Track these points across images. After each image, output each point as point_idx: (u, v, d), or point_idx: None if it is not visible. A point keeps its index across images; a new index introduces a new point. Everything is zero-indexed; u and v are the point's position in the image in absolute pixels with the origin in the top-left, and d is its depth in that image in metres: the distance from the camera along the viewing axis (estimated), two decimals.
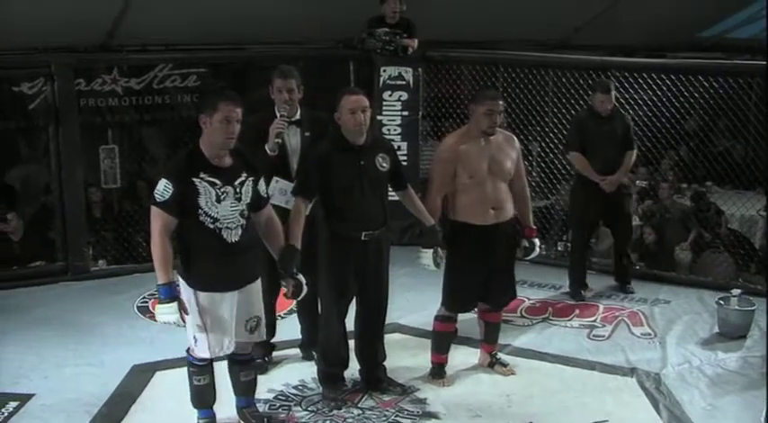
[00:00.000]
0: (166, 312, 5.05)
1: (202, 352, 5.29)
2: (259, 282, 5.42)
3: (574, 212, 8.56)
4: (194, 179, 5.05)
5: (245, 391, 5.65)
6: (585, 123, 8.13)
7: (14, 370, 6.59)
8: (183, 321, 5.13)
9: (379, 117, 9.37)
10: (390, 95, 9.59)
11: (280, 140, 6.00)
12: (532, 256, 6.44)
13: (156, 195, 5.04)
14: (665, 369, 6.64)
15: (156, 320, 5.21)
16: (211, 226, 5.09)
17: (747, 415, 5.87)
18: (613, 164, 7.96)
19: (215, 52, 9.94)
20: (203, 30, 9.46)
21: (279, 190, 6.08)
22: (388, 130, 9.52)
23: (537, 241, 6.41)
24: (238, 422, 5.70)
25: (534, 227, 6.45)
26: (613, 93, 7.95)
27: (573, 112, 9.04)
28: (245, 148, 5.71)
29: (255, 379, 5.70)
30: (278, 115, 6.05)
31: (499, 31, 10.98)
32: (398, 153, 6.59)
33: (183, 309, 5.09)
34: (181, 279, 5.16)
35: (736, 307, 7.28)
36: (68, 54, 8.88)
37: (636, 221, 9.80)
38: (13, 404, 6.02)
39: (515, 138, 6.33)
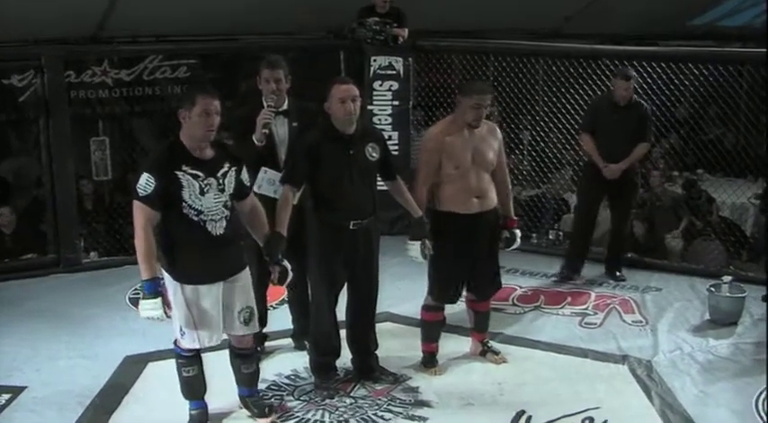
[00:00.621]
0: (150, 308, 5.04)
1: (190, 343, 5.28)
2: (247, 271, 5.41)
3: (578, 197, 8.65)
4: (177, 172, 5.03)
5: (247, 381, 5.67)
6: (600, 108, 8.17)
7: (7, 362, 6.59)
8: (168, 317, 5.11)
9: (369, 107, 9.36)
10: (381, 85, 9.58)
11: (267, 131, 5.98)
12: (513, 247, 6.39)
13: (138, 189, 5.00)
14: (657, 356, 6.65)
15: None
16: (195, 219, 5.08)
17: (739, 401, 5.89)
18: (620, 152, 7.95)
19: (205, 43, 9.93)
20: (194, 21, 9.44)
21: (267, 180, 6.07)
22: (379, 119, 9.51)
23: (518, 232, 6.37)
24: (236, 409, 5.73)
25: (515, 218, 6.43)
26: (633, 82, 7.93)
27: (563, 100, 9.05)
28: (234, 138, 5.71)
29: (258, 370, 5.72)
30: (265, 106, 6.04)
31: (490, 20, 10.99)
32: (389, 143, 6.60)
33: (166, 304, 5.07)
34: (165, 272, 5.14)
35: (728, 294, 7.30)
36: (58, 46, 8.85)
37: None
38: (5, 396, 6.02)
39: (498, 128, 6.31)
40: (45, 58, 8.46)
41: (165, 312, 5.06)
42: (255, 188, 5.80)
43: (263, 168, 6.06)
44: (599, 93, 8.47)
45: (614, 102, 7.99)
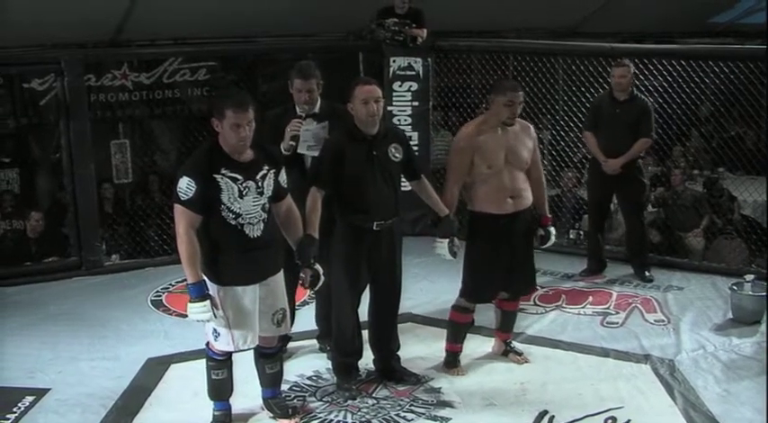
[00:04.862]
0: (198, 311, 5.05)
1: (224, 346, 5.28)
2: (282, 274, 5.41)
3: (587, 194, 8.73)
4: (215, 176, 5.03)
5: (270, 382, 5.68)
6: (600, 105, 8.23)
7: (30, 364, 6.62)
8: (216, 318, 5.12)
9: (389, 107, 9.34)
10: (400, 86, 9.59)
11: (294, 143, 5.99)
12: (548, 244, 6.37)
13: (179, 194, 5.01)
14: (680, 355, 6.62)
15: (196, 318, 5.11)
16: (233, 222, 5.08)
17: (762, 399, 5.82)
18: (620, 147, 7.98)
19: (224, 45, 9.95)
20: (212, 23, 9.46)
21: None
22: (399, 120, 9.50)
23: (552, 230, 6.35)
24: (259, 411, 5.74)
25: (550, 215, 6.41)
26: (631, 68, 7.96)
27: (583, 99, 9.04)
28: (263, 142, 5.71)
29: (281, 370, 5.73)
30: (298, 111, 6.04)
31: (508, 19, 10.98)
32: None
33: (214, 305, 5.08)
34: (203, 275, 5.12)
35: (750, 292, 7.27)
36: (78, 50, 8.89)
37: (649, 208, 9.78)
38: (29, 398, 6.04)
39: (531, 126, 6.30)
40: (65, 61, 8.50)
41: (215, 314, 5.07)
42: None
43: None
44: None
45: (614, 97, 8.06)
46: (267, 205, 5.20)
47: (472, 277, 6.21)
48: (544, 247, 6.39)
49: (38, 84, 8.91)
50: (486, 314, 6.61)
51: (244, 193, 5.08)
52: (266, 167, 5.19)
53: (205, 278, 5.10)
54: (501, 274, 6.17)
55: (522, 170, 6.10)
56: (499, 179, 5.99)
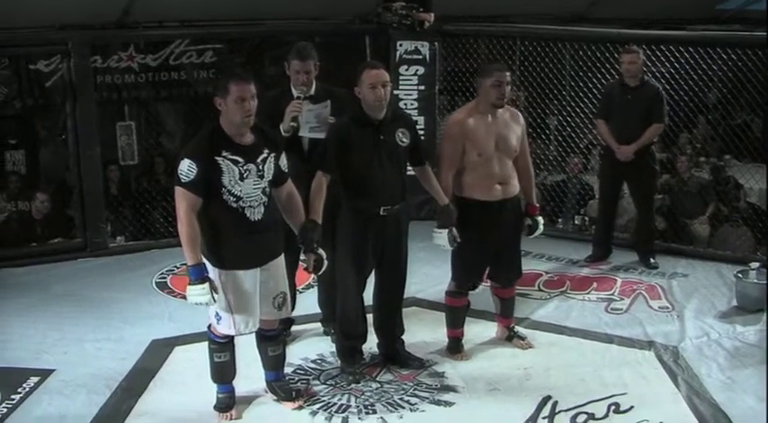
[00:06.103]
0: (197, 294, 5.05)
1: (226, 329, 5.30)
2: (282, 258, 5.41)
3: (599, 181, 8.71)
4: (217, 158, 5.03)
5: (273, 365, 5.70)
6: (612, 92, 8.22)
7: (35, 346, 6.64)
8: (215, 301, 5.11)
9: (395, 92, 9.29)
10: (407, 70, 9.58)
11: (295, 124, 5.99)
12: (536, 234, 6.37)
13: (180, 176, 5.01)
14: (684, 342, 6.62)
15: (196, 301, 5.10)
16: (234, 205, 5.08)
17: (766, 387, 5.85)
18: (631, 134, 7.96)
19: (231, 28, 9.91)
20: (219, 5, 9.43)
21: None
22: (405, 104, 9.49)
23: (540, 219, 6.34)
24: (263, 393, 5.75)
25: (537, 205, 6.40)
26: (640, 53, 7.96)
27: (590, 85, 9.02)
28: (261, 124, 5.72)
29: (284, 353, 5.75)
30: (294, 95, 6.05)
31: (516, 4, 10.93)
32: None
33: (213, 288, 5.07)
34: (204, 258, 5.12)
35: (755, 280, 7.27)
36: (84, 31, 8.86)
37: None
38: (34, 379, 6.06)
39: (520, 114, 6.31)
40: (72, 43, 8.52)
41: (213, 297, 5.07)
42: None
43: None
44: None
45: (625, 83, 8.05)
46: (267, 189, 5.21)
47: (460, 262, 6.23)
48: (532, 236, 6.39)
49: (44, 65, 8.89)
50: (488, 299, 6.61)
51: (245, 175, 5.08)
52: (266, 151, 5.20)
53: (205, 261, 5.11)
54: (487, 261, 6.22)
55: (510, 158, 6.11)
56: (489, 166, 6.00)
